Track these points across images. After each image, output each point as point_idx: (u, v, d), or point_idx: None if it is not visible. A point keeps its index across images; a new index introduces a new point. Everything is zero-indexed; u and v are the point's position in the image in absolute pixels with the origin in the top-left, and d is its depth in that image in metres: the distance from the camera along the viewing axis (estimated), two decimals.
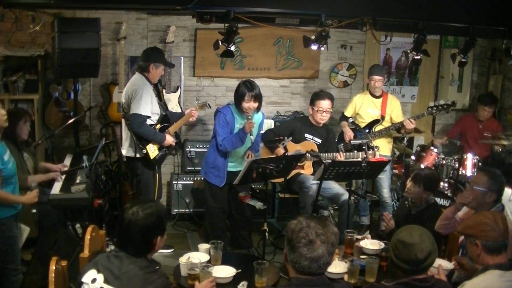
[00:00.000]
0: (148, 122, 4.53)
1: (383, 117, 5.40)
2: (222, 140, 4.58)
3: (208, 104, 4.87)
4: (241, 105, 4.57)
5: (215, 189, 4.76)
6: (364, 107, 5.46)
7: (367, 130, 5.35)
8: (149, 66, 4.57)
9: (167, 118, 4.73)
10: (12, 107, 5.12)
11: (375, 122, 5.41)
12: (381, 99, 5.44)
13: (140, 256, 2.40)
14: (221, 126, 4.60)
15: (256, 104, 4.57)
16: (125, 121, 4.60)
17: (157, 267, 2.52)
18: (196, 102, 4.96)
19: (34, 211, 4.06)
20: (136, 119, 4.43)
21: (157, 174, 4.73)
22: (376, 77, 5.36)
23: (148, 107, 4.49)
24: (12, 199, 3.61)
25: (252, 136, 4.51)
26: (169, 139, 4.63)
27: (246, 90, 4.52)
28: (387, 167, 5.39)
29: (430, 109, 5.32)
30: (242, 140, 4.53)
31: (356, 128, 5.27)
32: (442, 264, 2.88)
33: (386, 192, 5.43)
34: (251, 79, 4.79)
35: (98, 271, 2.37)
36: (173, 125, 4.74)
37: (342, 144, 5.35)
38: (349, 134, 5.35)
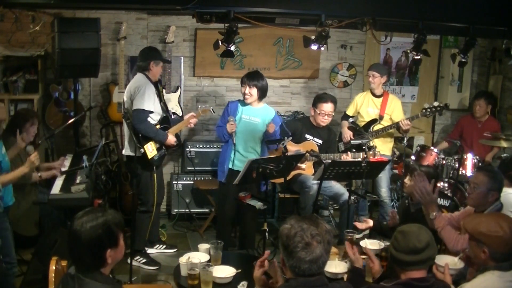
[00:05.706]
0: (150, 120, 4.52)
1: (381, 117, 5.39)
2: (217, 127, 4.87)
3: (212, 109, 4.85)
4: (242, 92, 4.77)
5: (220, 187, 4.85)
6: (364, 106, 5.47)
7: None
8: (149, 64, 4.58)
9: (167, 119, 4.72)
10: (14, 107, 5.16)
11: (373, 121, 5.41)
12: (381, 99, 5.44)
13: (93, 272, 2.18)
14: (222, 115, 4.85)
15: (253, 91, 4.68)
16: (126, 121, 4.59)
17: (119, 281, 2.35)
18: (199, 106, 4.96)
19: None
20: (138, 114, 4.43)
21: (155, 175, 4.67)
22: (370, 72, 5.39)
23: (151, 103, 4.49)
24: (13, 176, 3.66)
25: (233, 138, 4.61)
26: (171, 139, 4.62)
27: (245, 77, 4.74)
28: (387, 167, 5.39)
29: (424, 110, 5.36)
30: (224, 136, 4.68)
31: (356, 128, 5.27)
32: (452, 262, 2.86)
33: (384, 192, 5.42)
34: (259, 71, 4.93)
35: None
36: (173, 128, 4.72)
37: (342, 144, 5.35)
38: (347, 134, 5.36)
